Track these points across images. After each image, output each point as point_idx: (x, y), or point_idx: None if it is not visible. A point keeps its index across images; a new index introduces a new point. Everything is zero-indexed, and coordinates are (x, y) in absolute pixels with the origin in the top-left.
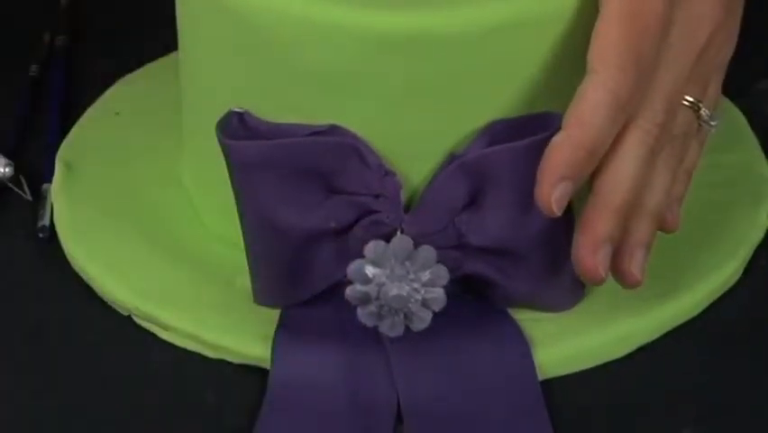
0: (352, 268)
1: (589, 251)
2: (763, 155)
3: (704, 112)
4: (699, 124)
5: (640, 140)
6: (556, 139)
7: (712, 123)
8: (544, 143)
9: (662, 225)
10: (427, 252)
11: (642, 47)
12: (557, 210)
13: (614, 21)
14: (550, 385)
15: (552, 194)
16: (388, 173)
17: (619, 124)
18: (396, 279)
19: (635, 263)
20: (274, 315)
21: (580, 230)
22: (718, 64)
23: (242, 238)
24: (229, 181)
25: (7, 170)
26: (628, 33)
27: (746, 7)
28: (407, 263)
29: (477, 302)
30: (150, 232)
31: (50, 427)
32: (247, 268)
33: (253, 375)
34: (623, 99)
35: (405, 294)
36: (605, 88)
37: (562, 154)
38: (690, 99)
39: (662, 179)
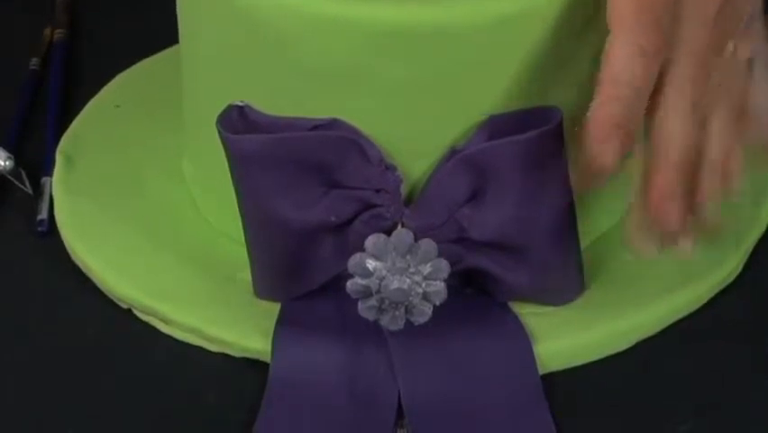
0: (353, 262)
1: (657, 203)
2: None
3: (742, 52)
4: (747, 63)
5: (678, 95)
6: (594, 103)
7: (759, 55)
8: (545, 137)
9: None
10: (428, 245)
11: (657, 4)
12: (612, 159)
13: None
14: (551, 379)
15: (603, 146)
16: (388, 167)
17: (652, 75)
18: (396, 272)
19: (709, 210)
20: (275, 309)
21: (644, 190)
22: (750, 10)
23: (242, 232)
24: (230, 175)
25: (8, 163)
26: None
27: None
28: (408, 257)
29: (478, 296)
30: (151, 225)
31: (49, 422)
32: (248, 262)
33: (254, 369)
34: (650, 51)
35: (406, 287)
36: (629, 44)
37: (604, 111)
38: (725, 47)
39: (717, 125)
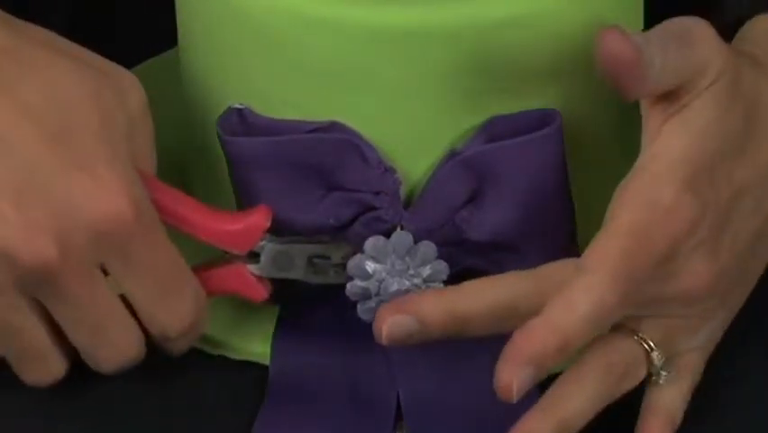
0: (352, 264)
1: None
2: None
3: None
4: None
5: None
6: (533, 322)
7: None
8: (544, 139)
9: None
10: (427, 247)
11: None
12: (516, 397)
13: (621, 234)
14: (549, 382)
15: (516, 376)
16: (387, 170)
17: (600, 330)
18: (396, 274)
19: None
20: (274, 311)
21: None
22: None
23: None
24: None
25: None
26: (631, 252)
27: (745, 4)
28: (407, 258)
29: None
30: None
31: (48, 423)
32: None
33: (253, 371)
34: (612, 306)
35: (405, 289)
36: (597, 291)
37: (536, 340)
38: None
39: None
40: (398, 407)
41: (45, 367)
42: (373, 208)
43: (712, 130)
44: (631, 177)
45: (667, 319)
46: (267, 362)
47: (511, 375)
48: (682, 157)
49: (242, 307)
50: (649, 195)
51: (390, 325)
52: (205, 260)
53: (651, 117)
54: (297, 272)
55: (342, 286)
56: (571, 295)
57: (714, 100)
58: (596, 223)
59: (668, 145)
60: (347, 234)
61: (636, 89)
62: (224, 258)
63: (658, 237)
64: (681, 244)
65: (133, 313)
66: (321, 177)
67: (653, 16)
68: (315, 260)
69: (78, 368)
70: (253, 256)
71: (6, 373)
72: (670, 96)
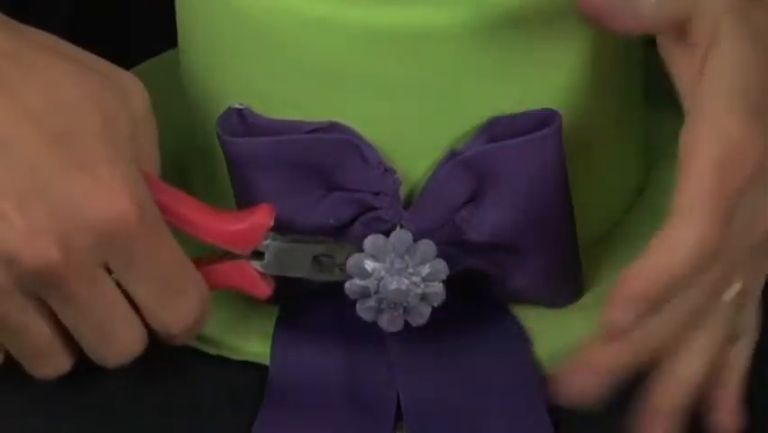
0: (352, 262)
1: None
2: None
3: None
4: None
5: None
6: (640, 263)
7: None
8: (544, 140)
9: None
10: (427, 246)
11: (730, 202)
12: (621, 332)
13: (706, 172)
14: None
15: (623, 312)
16: (387, 170)
17: (702, 270)
18: (395, 272)
19: None
20: (274, 312)
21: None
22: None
23: None
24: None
25: None
26: (720, 187)
27: None
28: (407, 257)
29: (477, 298)
30: None
31: (49, 422)
32: None
33: (253, 371)
34: (708, 249)
35: (404, 288)
36: (694, 237)
37: (643, 276)
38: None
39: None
40: (398, 407)
41: (51, 364)
42: (373, 208)
43: (749, 62)
44: (692, 123)
45: (751, 267)
46: (266, 362)
47: (619, 313)
48: (733, 93)
49: (242, 307)
50: (718, 132)
51: (579, 387)
52: (209, 254)
53: (675, 63)
54: (302, 271)
55: (342, 285)
56: (675, 235)
57: (734, 35)
58: (596, 223)
59: (714, 86)
60: (347, 234)
61: (630, 26)
62: (228, 254)
63: (740, 169)
64: (759, 177)
65: (136, 308)
66: (321, 177)
67: None
68: (321, 258)
69: (80, 366)
70: (257, 254)
71: (7, 372)
72: (686, 36)
